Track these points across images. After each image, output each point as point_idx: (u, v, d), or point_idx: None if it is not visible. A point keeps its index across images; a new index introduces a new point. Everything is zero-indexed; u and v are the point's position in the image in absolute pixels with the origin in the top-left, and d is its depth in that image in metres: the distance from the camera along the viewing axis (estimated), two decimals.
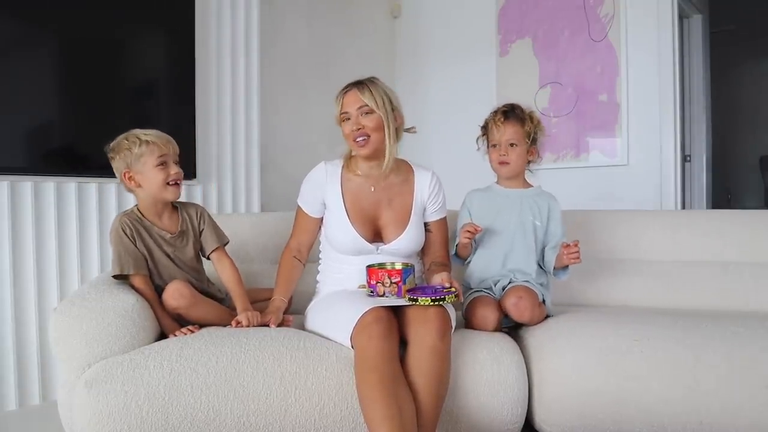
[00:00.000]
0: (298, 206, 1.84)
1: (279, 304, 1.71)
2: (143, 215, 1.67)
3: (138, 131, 1.65)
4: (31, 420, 2.10)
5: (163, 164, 1.62)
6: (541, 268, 1.90)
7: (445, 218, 1.88)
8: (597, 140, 3.34)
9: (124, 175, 1.64)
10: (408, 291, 1.55)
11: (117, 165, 1.65)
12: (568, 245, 1.77)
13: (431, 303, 1.49)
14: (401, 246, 1.75)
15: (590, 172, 3.32)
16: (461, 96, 3.82)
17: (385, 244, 1.76)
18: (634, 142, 3.21)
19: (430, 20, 3.98)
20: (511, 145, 1.88)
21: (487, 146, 1.96)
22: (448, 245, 1.90)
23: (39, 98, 2.22)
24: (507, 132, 1.88)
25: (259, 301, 1.85)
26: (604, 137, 3.31)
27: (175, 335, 1.57)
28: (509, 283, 1.83)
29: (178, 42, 2.63)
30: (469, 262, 1.93)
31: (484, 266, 1.88)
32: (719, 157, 4.50)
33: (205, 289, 1.76)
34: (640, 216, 2.30)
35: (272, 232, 2.15)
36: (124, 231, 1.61)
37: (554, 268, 1.87)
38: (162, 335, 1.61)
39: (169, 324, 1.61)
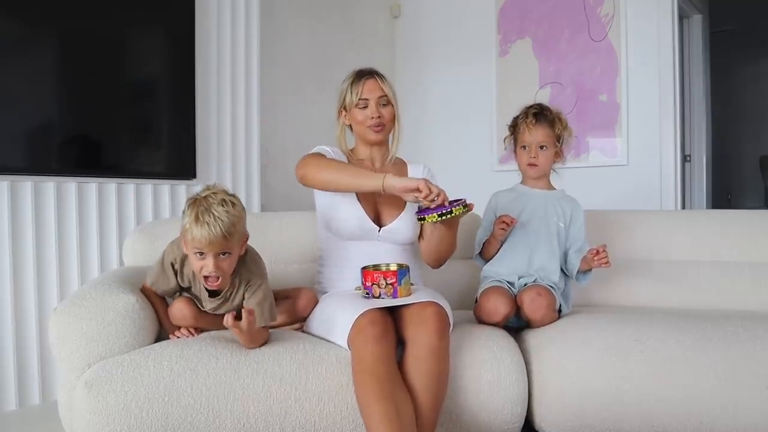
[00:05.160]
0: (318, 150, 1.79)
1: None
2: None
3: (208, 203, 1.43)
4: (31, 420, 2.10)
5: (200, 254, 1.44)
6: (563, 272, 1.90)
7: None
8: (597, 140, 3.34)
9: (181, 236, 1.50)
10: (417, 212, 1.57)
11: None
12: (597, 251, 1.77)
13: (438, 219, 1.51)
14: (400, 226, 1.75)
15: (590, 172, 3.32)
16: (461, 96, 3.82)
17: (385, 225, 1.76)
18: (634, 142, 3.21)
19: (430, 20, 3.97)
20: (541, 147, 1.89)
21: (515, 146, 1.96)
22: None
23: (39, 98, 2.22)
24: (538, 134, 1.88)
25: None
26: (604, 137, 3.31)
27: (176, 336, 1.57)
28: (534, 281, 1.83)
29: (178, 42, 2.62)
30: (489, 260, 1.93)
31: (510, 263, 1.88)
32: (719, 157, 4.50)
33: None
34: (639, 216, 2.30)
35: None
36: (172, 264, 1.54)
37: (577, 271, 1.87)
38: (161, 336, 1.61)
39: (170, 326, 1.61)
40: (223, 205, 1.43)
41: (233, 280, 1.53)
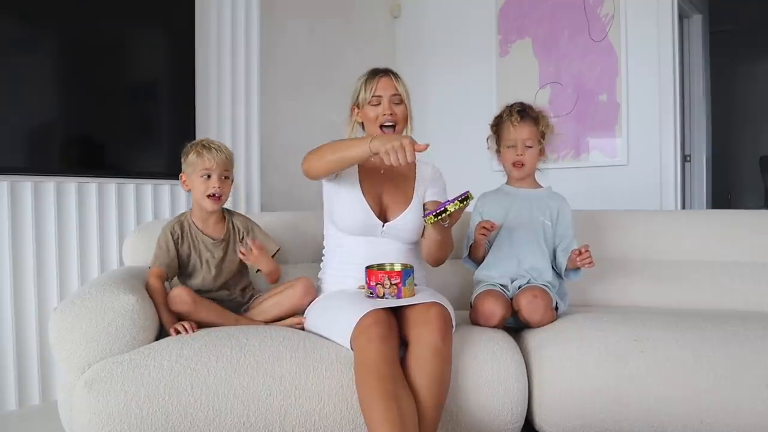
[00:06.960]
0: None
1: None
2: (193, 220, 1.77)
3: (207, 140, 1.77)
4: (31, 420, 2.10)
5: (206, 176, 1.71)
6: (554, 270, 1.90)
7: None
8: (597, 140, 3.34)
9: (181, 177, 1.77)
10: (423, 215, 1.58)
11: (182, 166, 1.77)
12: (579, 252, 1.76)
13: (434, 220, 1.53)
14: (405, 222, 1.75)
15: (590, 172, 3.32)
16: (461, 96, 3.82)
17: (390, 220, 1.76)
18: (634, 142, 3.21)
19: (430, 20, 3.97)
20: (528, 146, 1.88)
21: (498, 146, 1.95)
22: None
23: (39, 98, 2.21)
24: (524, 132, 1.88)
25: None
26: (604, 137, 3.31)
27: (176, 330, 1.57)
28: (527, 282, 1.83)
29: (178, 42, 2.62)
30: (480, 263, 1.93)
31: (500, 266, 1.87)
32: (719, 157, 4.50)
33: (228, 298, 1.77)
34: (639, 216, 2.30)
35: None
36: (171, 235, 1.73)
37: (566, 269, 1.86)
38: (161, 334, 1.61)
39: (168, 319, 1.62)
40: (217, 142, 1.77)
41: (229, 225, 1.79)
